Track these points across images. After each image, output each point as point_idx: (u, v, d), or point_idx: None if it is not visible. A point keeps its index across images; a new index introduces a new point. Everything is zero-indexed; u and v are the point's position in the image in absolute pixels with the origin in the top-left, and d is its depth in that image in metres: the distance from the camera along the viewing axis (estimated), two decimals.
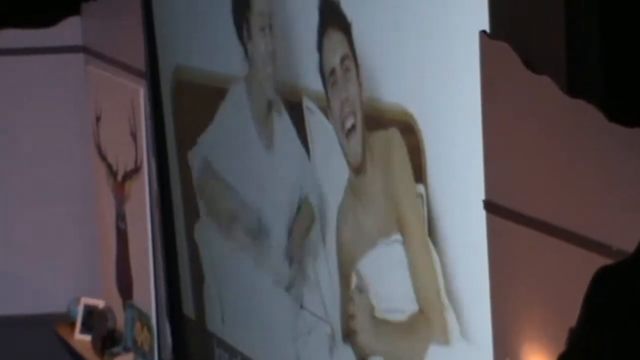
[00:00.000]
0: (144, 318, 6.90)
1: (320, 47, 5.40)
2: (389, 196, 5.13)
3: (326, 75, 5.37)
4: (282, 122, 5.90)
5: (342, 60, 5.23)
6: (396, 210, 5.09)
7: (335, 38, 5.26)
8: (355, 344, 5.51)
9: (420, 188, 4.92)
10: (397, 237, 5.12)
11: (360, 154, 5.26)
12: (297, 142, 5.80)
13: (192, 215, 6.80)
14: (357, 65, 5.17)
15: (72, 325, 7.42)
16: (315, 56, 5.54)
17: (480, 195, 4.62)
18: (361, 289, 5.36)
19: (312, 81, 5.59)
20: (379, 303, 5.34)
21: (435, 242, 4.91)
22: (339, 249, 5.55)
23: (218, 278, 6.67)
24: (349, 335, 5.53)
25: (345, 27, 5.18)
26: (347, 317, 5.53)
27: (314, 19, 5.42)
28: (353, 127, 5.26)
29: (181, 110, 6.75)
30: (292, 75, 5.77)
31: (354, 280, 5.44)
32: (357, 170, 5.32)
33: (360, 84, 5.17)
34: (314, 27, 5.48)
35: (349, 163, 5.38)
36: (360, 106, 5.19)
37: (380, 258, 5.25)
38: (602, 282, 3.14)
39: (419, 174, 4.92)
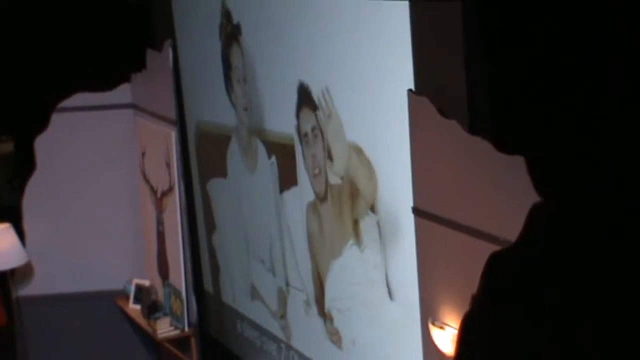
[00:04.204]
0: (177, 293, 6.88)
1: (297, 116, 5.42)
2: (346, 216, 5.15)
3: (302, 136, 5.40)
4: (261, 154, 5.93)
5: (313, 129, 5.26)
6: (353, 224, 5.11)
7: (308, 114, 5.30)
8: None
9: (370, 212, 4.94)
10: (353, 243, 5.15)
11: (323, 190, 5.29)
12: (272, 168, 5.84)
13: (210, 229, 6.80)
14: (322, 132, 5.19)
15: (127, 298, 7.37)
16: (281, 110, 5.58)
17: (410, 203, 4.65)
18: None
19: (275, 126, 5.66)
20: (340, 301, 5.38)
21: (381, 240, 4.94)
22: (310, 247, 5.57)
23: (229, 270, 6.67)
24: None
25: (314, 107, 5.21)
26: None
27: (288, 95, 5.45)
28: (319, 172, 5.30)
29: (202, 151, 6.74)
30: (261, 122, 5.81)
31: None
32: (321, 199, 5.34)
33: (324, 146, 5.20)
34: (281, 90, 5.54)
35: (315, 193, 5.39)
36: (324, 160, 5.22)
37: (343, 260, 5.27)
38: (493, 262, 3.17)
39: (372, 194, 4.94)
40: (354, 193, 4.99)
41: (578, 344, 3.03)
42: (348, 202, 5.05)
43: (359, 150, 4.90)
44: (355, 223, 5.02)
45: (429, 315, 4.55)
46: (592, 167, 3.48)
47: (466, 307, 3.71)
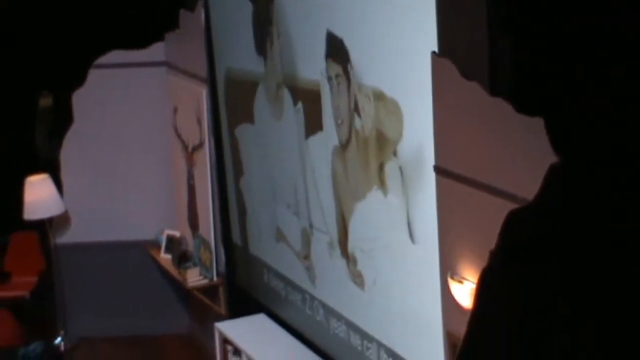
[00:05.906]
0: (206, 244, 6.90)
1: (326, 60, 5.35)
2: (372, 161, 5.10)
3: (329, 79, 5.34)
4: (287, 101, 5.89)
5: (337, 76, 5.21)
6: (378, 169, 5.07)
7: (334, 62, 5.24)
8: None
9: (394, 157, 4.91)
10: (377, 187, 5.11)
11: (346, 138, 5.24)
12: (298, 114, 5.79)
13: (238, 173, 6.80)
14: (348, 81, 5.13)
15: (158, 248, 7.42)
16: (308, 57, 5.52)
17: (432, 161, 4.61)
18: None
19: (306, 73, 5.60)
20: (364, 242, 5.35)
21: (404, 192, 4.90)
22: (335, 190, 5.53)
23: (255, 213, 6.66)
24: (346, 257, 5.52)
25: (342, 56, 5.15)
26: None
27: (316, 42, 5.39)
28: (342, 122, 5.25)
29: (231, 98, 6.72)
30: (291, 70, 5.76)
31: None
32: (344, 146, 5.30)
33: (349, 95, 5.14)
34: (311, 40, 5.48)
35: (339, 141, 5.35)
36: (348, 110, 5.16)
37: (367, 203, 5.23)
38: (511, 220, 3.15)
39: (394, 147, 4.90)
40: (381, 138, 4.94)
41: (592, 303, 3.00)
42: (374, 147, 5.01)
43: (381, 95, 4.84)
44: (381, 168, 4.98)
45: (448, 269, 4.53)
46: (611, 129, 3.44)
47: (484, 263, 3.69)
